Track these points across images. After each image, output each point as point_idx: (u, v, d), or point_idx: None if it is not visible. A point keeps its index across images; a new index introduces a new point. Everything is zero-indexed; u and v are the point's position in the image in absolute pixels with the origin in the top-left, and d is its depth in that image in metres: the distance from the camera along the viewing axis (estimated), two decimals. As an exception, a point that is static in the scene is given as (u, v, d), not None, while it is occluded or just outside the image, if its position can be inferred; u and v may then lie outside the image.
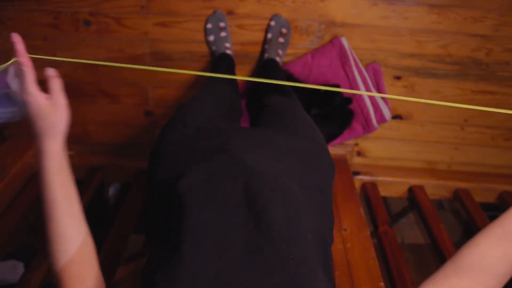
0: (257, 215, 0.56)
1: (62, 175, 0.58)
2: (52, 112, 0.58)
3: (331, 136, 1.55)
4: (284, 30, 1.43)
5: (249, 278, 0.49)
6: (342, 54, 1.46)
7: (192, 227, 0.54)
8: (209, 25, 1.43)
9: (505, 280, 0.49)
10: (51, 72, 0.62)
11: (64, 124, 0.59)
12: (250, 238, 0.54)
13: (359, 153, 1.70)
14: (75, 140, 1.66)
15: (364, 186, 1.64)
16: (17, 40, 0.59)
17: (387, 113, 1.54)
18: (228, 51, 1.42)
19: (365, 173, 1.66)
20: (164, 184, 0.68)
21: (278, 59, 1.43)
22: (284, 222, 0.56)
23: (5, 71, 0.56)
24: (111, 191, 1.98)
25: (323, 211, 0.67)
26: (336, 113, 1.49)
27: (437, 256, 1.36)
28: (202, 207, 0.57)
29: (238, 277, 0.49)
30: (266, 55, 1.44)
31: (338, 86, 1.46)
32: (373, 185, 1.64)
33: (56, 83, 0.61)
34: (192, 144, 0.73)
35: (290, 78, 1.46)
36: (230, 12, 1.42)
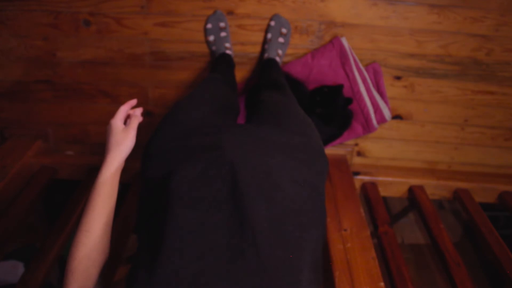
0: (241, 215, 0.56)
1: (111, 186, 0.70)
2: (121, 135, 0.74)
3: (331, 137, 1.55)
4: (284, 30, 1.43)
5: (229, 279, 0.49)
6: (342, 54, 1.46)
7: (174, 226, 0.55)
8: (209, 25, 1.42)
9: None
10: (137, 112, 0.81)
11: (127, 150, 0.74)
12: (232, 238, 0.54)
13: (359, 153, 1.70)
14: (75, 140, 1.66)
15: (364, 186, 1.64)
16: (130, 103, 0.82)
17: (387, 113, 1.54)
18: (228, 51, 1.42)
19: (365, 173, 1.66)
20: (153, 181, 0.69)
21: (278, 59, 1.43)
22: (269, 223, 0.56)
23: None
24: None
25: (314, 206, 0.67)
26: (338, 114, 1.49)
27: (437, 256, 1.36)
28: (186, 206, 0.57)
29: (218, 277, 0.49)
30: (266, 55, 1.44)
31: (341, 86, 1.46)
32: (373, 185, 1.64)
33: (134, 122, 0.77)
34: (183, 142, 0.74)
35: (289, 79, 1.46)
36: (230, 12, 1.42)
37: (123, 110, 0.79)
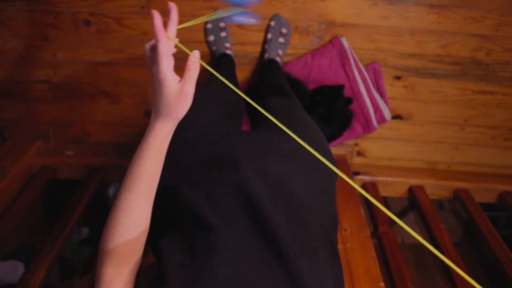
0: (262, 224, 0.56)
1: (157, 156, 0.58)
2: (175, 97, 0.55)
3: (331, 137, 1.55)
4: (284, 30, 1.43)
5: (259, 284, 0.49)
6: (342, 54, 1.46)
7: (204, 234, 0.55)
8: (209, 25, 1.43)
9: None
10: (195, 55, 0.57)
11: (183, 113, 0.57)
12: (258, 248, 0.54)
13: (359, 153, 1.70)
14: (75, 140, 1.66)
15: (364, 186, 1.64)
16: (156, 15, 0.57)
17: (387, 113, 1.54)
18: (228, 51, 1.42)
19: (365, 173, 1.66)
20: (166, 190, 0.68)
21: (278, 59, 1.43)
22: (289, 229, 0.56)
23: None
24: (111, 191, 1.98)
25: (327, 212, 0.67)
26: (338, 114, 1.49)
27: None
28: (211, 216, 0.57)
29: (249, 284, 0.49)
30: (266, 55, 1.44)
31: (342, 86, 1.46)
32: (373, 185, 1.64)
33: (192, 72, 0.56)
34: (194, 150, 0.73)
35: (289, 79, 1.46)
36: (230, 12, 1.42)
37: (164, 43, 0.54)
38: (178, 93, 0.55)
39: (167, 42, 0.55)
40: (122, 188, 0.57)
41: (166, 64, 0.54)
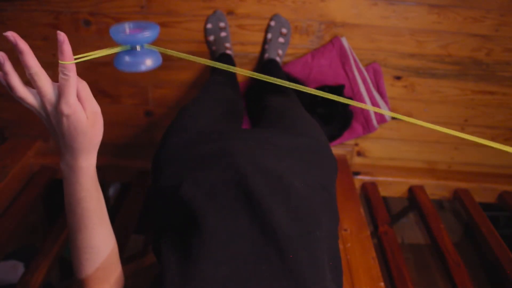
0: (261, 219, 0.56)
1: (95, 188, 0.55)
2: (91, 125, 0.49)
3: (331, 137, 1.55)
4: (284, 30, 1.43)
5: (257, 283, 0.49)
6: (342, 54, 1.46)
7: (200, 233, 0.55)
8: (209, 25, 1.43)
9: None
10: (71, 74, 0.51)
11: (100, 136, 0.52)
12: (256, 245, 0.54)
13: (359, 153, 1.70)
14: (75, 140, 1.66)
15: (364, 186, 1.64)
16: (63, 39, 0.48)
17: (387, 113, 1.54)
18: (228, 51, 1.42)
19: (365, 173, 1.66)
20: (167, 190, 0.68)
21: (278, 59, 1.43)
22: (289, 223, 0.56)
23: None
24: (111, 191, 1.99)
25: (327, 208, 0.67)
26: (338, 114, 1.49)
27: (437, 256, 1.36)
28: (208, 213, 0.57)
29: (246, 282, 0.49)
30: (266, 55, 1.44)
31: (342, 86, 1.46)
32: (373, 185, 1.64)
33: (85, 89, 0.51)
34: (193, 149, 0.73)
35: (289, 79, 1.46)
36: (230, 12, 1.43)
37: (73, 71, 0.49)
38: (90, 120, 0.50)
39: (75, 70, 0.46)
40: (72, 231, 0.55)
41: (75, 96, 0.47)
